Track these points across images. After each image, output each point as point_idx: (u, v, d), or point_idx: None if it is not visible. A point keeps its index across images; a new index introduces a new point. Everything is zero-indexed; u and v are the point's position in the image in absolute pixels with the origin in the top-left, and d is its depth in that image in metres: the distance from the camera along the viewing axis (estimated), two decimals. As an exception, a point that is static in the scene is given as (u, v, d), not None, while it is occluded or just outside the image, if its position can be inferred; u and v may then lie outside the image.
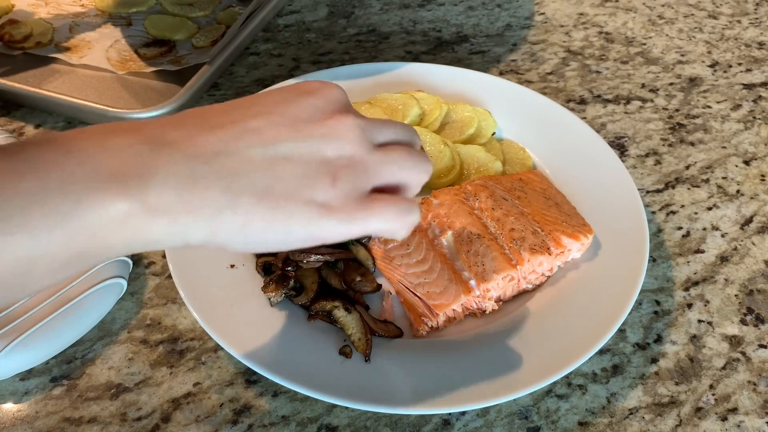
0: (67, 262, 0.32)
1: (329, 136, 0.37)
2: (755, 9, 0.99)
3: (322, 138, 0.36)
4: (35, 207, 0.30)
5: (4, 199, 0.30)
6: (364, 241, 0.60)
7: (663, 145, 0.76)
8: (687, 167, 0.73)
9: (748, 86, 0.84)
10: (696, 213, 0.68)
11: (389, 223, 0.38)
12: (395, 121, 0.42)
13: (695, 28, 0.94)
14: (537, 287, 0.58)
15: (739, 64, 0.88)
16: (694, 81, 0.85)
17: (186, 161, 0.33)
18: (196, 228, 0.33)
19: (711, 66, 0.87)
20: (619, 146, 0.75)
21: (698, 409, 0.52)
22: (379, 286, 0.57)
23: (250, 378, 0.53)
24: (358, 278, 0.56)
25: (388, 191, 0.39)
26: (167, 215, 0.32)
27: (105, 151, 0.32)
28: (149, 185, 0.32)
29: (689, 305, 0.60)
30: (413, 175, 0.40)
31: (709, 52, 0.90)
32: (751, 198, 0.70)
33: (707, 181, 0.72)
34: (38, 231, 0.30)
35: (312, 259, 0.56)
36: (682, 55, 0.89)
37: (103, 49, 0.83)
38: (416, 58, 0.87)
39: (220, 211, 0.33)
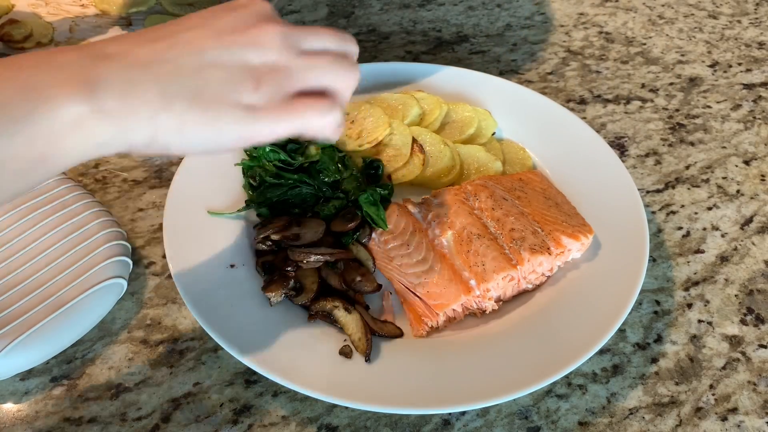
0: (30, 166, 0.35)
1: (252, 44, 0.40)
2: (755, 9, 0.99)
3: (244, 45, 0.40)
4: (1, 111, 0.34)
5: None
6: (364, 241, 0.60)
7: (663, 145, 0.76)
8: (687, 167, 0.73)
9: (748, 86, 0.84)
10: (696, 213, 0.68)
11: (312, 121, 0.40)
12: (327, 29, 0.43)
13: (695, 28, 0.94)
14: (537, 287, 0.58)
15: (739, 64, 0.88)
16: (694, 81, 0.85)
17: (124, 70, 0.37)
18: (138, 128, 0.37)
19: (711, 66, 0.87)
20: (619, 146, 0.75)
21: (698, 409, 0.52)
22: (379, 286, 0.57)
23: (250, 378, 0.53)
24: (358, 278, 0.56)
25: (318, 97, 0.41)
26: (112, 116, 0.36)
27: (52, 66, 0.36)
28: (95, 91, 0.35)
29: (689, 305, 0.60)
30: (339, 80, 0.42)
31: (709, 52, 0.90)
32: (751, 198, 0.70)
33: (707, 181, 0.72)
34: (3, 134, 0.34)
35: (312, 259, 0.56)
36: (682, 55, 0.89)
37: (103, 49, 0.82)
38: (416, 58, 0.87)
39: (157, 112, 0.37)
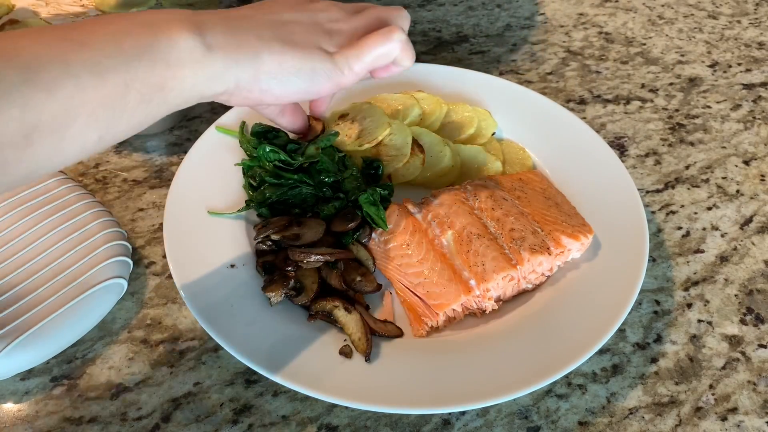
0: (151, 92, 0.39)
1: (318, 9, 0.49)
2: (755, 9, 0.99)
3: (313, 11, 0.49)
4: (126, 39, 0.38)
5: (99, 37, 0.38)
6: (364, 241, 0.60)
7: (663, 145, 0.76)
8: (687, 167, 0.73)
9: (748, 86, 0.84)
10: (696, 213, 0.68)
11: (379, 48, 0.47)
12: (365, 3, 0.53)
13: (695, 28, 0.94)
14: (537, 287, 0.58)
15: (739, 64, 0.88)
16: (693, 81, 0.85)
17: (223, 20, 0.43)
18: (244, 64, 0.42)
19: (711, 66, 0.88)
20: (619, 146, 0.75)
21: (698, 409, 0.53)
22: (379, 286, 0.57)
23: (250, 378, 0.53)
24: (358, 278, 0.56)
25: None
26: (221, 51, 0.41)
27: (164, 13, 0.41)
28: (203, 30, 0.41)
29: (689, 305, 0.60)
30: (391, 13, 0.50)
31: (709, 52, 0.90)
32: (751, 198, 0.70)
33: (707, 181, 0.72)
34: (130, 58, 0.38)
35: (312, 259, 0.56)
36: (682, 55, 0.89)
37: (103, 49, 0.83)
38: (416, 58, 0.87)
39: (259, 51, 0.43)
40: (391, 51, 0.47)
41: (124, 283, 0.57)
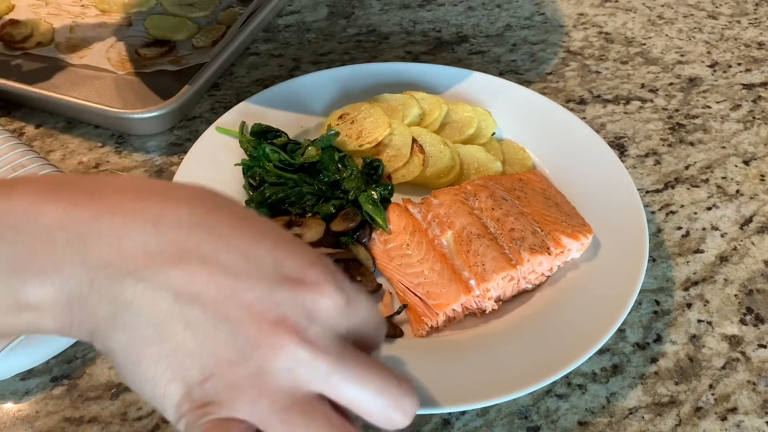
0: None
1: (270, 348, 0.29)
2: (755, 9, 0.99)
3: (258, 343, 0.29)
4: None
5: None
6: (364, 241, 0.60)
7: (662, 145, 0.76)
8: (687, 167, 0.73)
9: (748, 86, 0.84)
10: (695, 213, 0.68)
11: None
12: (386, 376, 0.31)
13: (695, 28, 0.94)
14: (537, 287, 0.58)
15: (739, 64, 0.88)
16: (693, 81, 0.85)
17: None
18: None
19: (711, 66, 0.88)
20: (619, 146, 0.75)
21: (698, 409, 0.53)
22: (379, 286, 0.57)
23: (250, 378, 0.53)
24: (358, 278, 0.56)
25: None
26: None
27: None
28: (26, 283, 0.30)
29: (689, 305, 0.60)
30: None
31: (709, 53, 0.90)
32: (751, 198, 0.70)
33: (707, 181, 0.72)
34: None
35: (312, 259, 0.56)
36: (682, 56, 0.89)
37: (103, 49, 0.83)
38: (416, 58, 0.87)
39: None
40: None
41: (124, 283, 0.57)
